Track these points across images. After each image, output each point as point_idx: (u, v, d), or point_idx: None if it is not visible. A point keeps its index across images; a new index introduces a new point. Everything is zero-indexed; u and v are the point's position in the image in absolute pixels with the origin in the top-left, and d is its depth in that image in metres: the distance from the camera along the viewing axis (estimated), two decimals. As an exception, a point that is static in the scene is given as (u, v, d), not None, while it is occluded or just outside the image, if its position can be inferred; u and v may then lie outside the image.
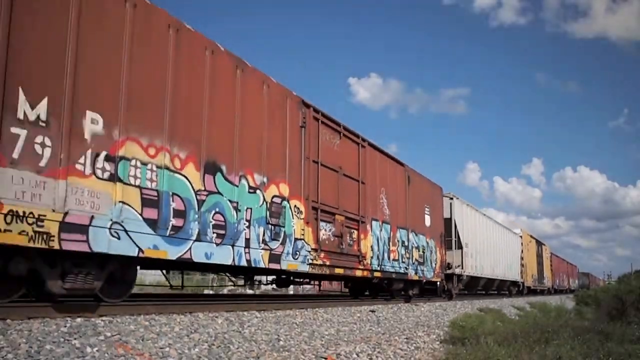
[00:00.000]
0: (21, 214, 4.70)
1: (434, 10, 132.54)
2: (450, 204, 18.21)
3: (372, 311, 10.43)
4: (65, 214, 5.08)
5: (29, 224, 4.75)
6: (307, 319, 7.95)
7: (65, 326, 4.77)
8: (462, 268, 18.41)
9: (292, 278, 11.06)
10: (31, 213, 4.77)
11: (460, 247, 18.28)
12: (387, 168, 13.07)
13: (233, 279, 9.99)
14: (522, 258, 27.87)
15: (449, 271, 17.55)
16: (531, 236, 31.31)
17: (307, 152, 9.51)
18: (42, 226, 4.86)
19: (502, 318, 13.71)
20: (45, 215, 4.89)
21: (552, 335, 8.71)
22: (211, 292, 32.67)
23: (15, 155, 4.72)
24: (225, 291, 36.00)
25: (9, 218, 4.59)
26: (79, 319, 5.06)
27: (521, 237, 28.20)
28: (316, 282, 13.21)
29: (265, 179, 8.26)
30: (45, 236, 4.88)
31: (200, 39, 7.11)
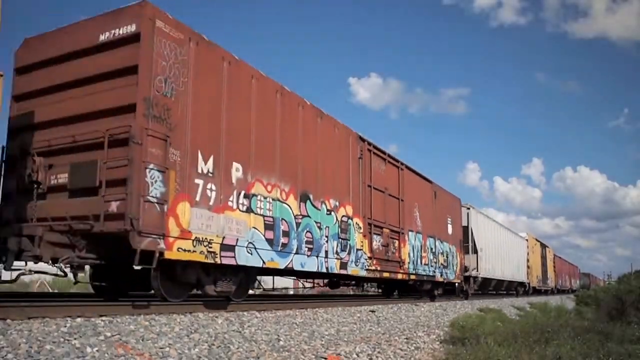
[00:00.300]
0: (201, 239, 6.74)
1: (434, 10, 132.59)
2: (467, 213, 20.07)
3: (372, 311, 10.43)
4: (223, 238, 7.17)
5: (204, 246, 6.77)
6: (307, 319, 7.95)
7: (65, 326, 4.77)
8: (477, 270, 20.19)
9: (340, 280, 13.20)
10: (206, 238, 6.81)
11: (475, 251, 20.03)
12: (419, 186, 15.35)
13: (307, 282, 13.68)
14: (528, 260, 29.36)
15: (466, 273, 19.32)
16: (536, 239, 32.98)
17: (363, 178, 11.63)
18: (211, 247, 6.90)
19: (502, 318, 13.71)
20: (213, 240, 6.95)
21: (552, 335, 8.71)
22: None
23: (197, 198, 6.77)
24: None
25: (195, 243, 6.63)
26: (79, 319, 5.06)
27: (527, 240, 29.77)
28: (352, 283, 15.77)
29: (337, 203, 10.40)
30: (213, 254, 6.92)
31: (294, 97, 9.23)
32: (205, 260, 6.81)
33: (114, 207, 6.00)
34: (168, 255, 6.23)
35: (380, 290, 18.15)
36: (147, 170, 6.05)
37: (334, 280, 12.85)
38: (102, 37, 6.55)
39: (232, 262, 7.25)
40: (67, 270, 6.55)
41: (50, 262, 6.27)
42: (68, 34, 6.92)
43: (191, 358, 4.92)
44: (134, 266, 6.10)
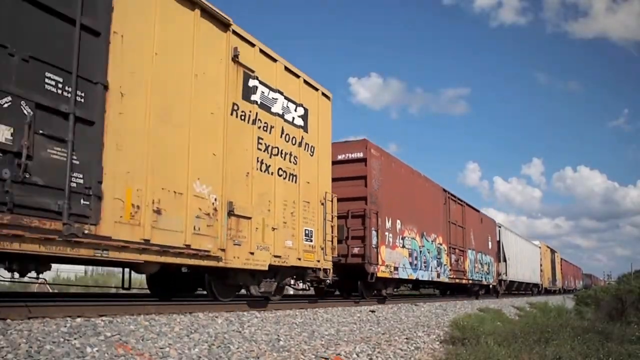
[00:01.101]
0: (388, 264, 12.41)
1: (434, 11, 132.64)
2: (499, 230, 25.70)
3: (372, 311, 10.43)
4: (394, 262, 12.71)
5: (388, 268, 12.40)
6: (307, 319, 7.95)
7: (65, 326, 4.76)
8: (506, 275, 26.02)
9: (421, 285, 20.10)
10: (390, 264, 12.56)
11: (504, 260, 25.78)
12: (473, 216, 21.28)
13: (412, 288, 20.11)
14: (541, 265, 34.64)
15: (499, 278, 24.86)
16: (547, 246, 38.71)
17: (447, 216, 17.52)
18: (391, 268, 12.58)
19: (502, 318, 13.71)
20: (391, 264, 12.53)
21: (552, 335, 8.71)
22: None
23: (386, 242, 12.32)
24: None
25: (386, 267, 12.31)
26: (79, 319, 5.05)
27: (540, 248, 35.15)
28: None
29: (435, 235, 16.22)
30: (391, 272, 12.58)
31: (415, 172, 15.13)
32: (389, 276, 12.42)
33: (355, 250, 11.38)
34: (379, 274, 11.77)
35: (437, 291, 22.80)
36: (372, 230, 11.64)
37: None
38: (340, 157, 11.85)
39: (396, 276, 12.91)
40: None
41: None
42: None
43: (191, 358, 4.91)
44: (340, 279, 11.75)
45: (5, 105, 4.44)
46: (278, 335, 6.51)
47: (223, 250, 6.81)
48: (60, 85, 4.86)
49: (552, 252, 40.92)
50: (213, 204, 6.69)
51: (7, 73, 4.47)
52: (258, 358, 5.46)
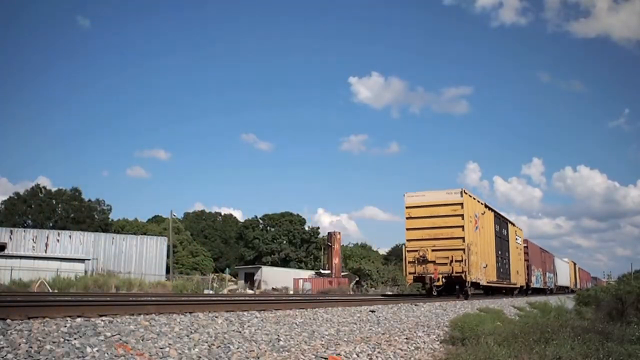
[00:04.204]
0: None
1: (434, 11, 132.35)
2: (553, 257, 42.73)
3: (372, 311, 10.43)
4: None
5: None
6: (307, 319, 7.95)
7: (65, 326, 4.77)
8: (557, 282, 42.20)
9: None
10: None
11: (555, 273, 41.63)
12: (536, 249, 34.68)
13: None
14: (569, 274, 51.96)
15: (554, 283, 41.07)
16: (572, 261, 56.95)
17: (524, 254, 31.19)
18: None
19: (502, 318, 13.71)
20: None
21: (552, 335, 8.70)
22: (211, 292, 32.69)
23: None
24: (225, 291, 36.03)
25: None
26: (79, 319, 5.05)
27: (568, 262, 52.79)
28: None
29: (529, 264, 32.22)
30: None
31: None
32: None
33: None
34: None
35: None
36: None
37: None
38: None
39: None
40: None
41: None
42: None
43: (191, 358, 4.91)
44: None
45: None
46: (278, 335, 6.51)
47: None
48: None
49: (574, 264, 59.52)
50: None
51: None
52: (258, 358, 5.45)
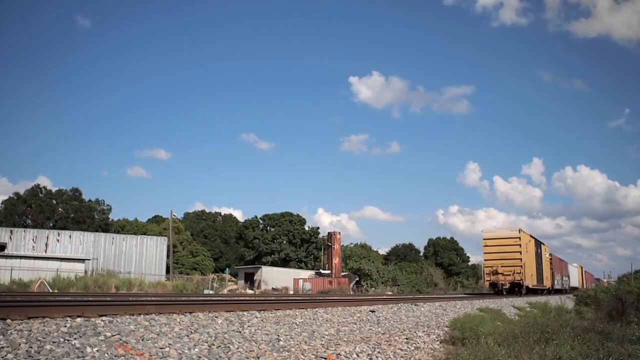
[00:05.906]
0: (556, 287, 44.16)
1: (435, 10, 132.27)
2: (568, 265, 51.26)
3: (372, 311, 10.43)
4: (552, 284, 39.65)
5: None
6: (307, 319, 7.94)
7: (65, 326, 4.76)
8: (570, 284, 49.36)
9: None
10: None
11: (568, 277, 48.99)
12: (558, 260, 45.19)
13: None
14: (578, 276, 61.11)
15: (569, 284, 49.00)
16: (580, 266, 65.59)
17: (549, 263, 39.35)
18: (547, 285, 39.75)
19: (502, 318, 13.70)
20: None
21: (552, 335, 8.70)
22: (211, 292, 32.68)
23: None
24: (225, 291, 36.03)
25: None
26: (79, 319, 5.05)
27: (577, 267, 61.74)
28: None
29: (553, 272, 41.91)
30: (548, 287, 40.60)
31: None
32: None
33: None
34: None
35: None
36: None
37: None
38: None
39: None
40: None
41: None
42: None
43: (191, 358, 4.91)
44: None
45: None
46: (278, 335, 6.51)
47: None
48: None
49: (581, 267, 67.90)
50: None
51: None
52: (258, 358, 5.45)
